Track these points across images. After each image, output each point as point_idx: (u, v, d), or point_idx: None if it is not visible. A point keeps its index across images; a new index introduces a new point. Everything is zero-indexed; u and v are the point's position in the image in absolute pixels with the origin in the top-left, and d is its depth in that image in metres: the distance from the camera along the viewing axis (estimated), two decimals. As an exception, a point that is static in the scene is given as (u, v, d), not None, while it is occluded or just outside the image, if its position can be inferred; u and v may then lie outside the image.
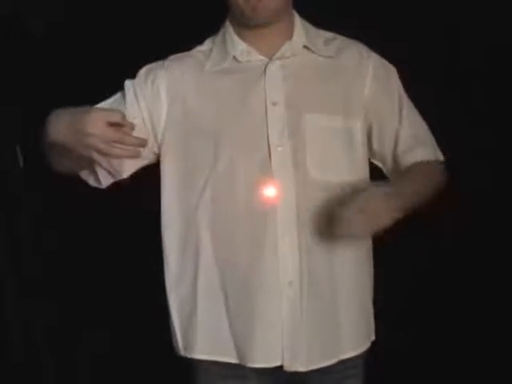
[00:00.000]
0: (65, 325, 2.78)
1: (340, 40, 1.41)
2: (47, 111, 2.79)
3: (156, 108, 1.36)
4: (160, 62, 1.41)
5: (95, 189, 1.46)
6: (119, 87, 2.77)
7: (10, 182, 2.77)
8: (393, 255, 2.12)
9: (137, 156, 1.17)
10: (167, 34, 2.55)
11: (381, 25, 2.36)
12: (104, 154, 1.13)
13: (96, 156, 1.14)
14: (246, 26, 1.35)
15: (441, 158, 1.46)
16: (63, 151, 1.23)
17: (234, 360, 1.36)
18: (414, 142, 1.40)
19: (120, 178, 1.38)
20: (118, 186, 1.50)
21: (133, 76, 1.41)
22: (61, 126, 1.18)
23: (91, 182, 1.39)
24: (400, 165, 1.40)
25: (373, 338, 1.46)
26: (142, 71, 1.41)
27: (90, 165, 1.30)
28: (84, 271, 2.84)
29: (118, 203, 2.57)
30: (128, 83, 1.39)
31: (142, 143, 1.16)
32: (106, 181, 1.36)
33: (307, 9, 1.42)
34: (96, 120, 1.10)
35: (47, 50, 2.81)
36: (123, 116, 1.13)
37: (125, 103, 1.36)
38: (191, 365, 1.43)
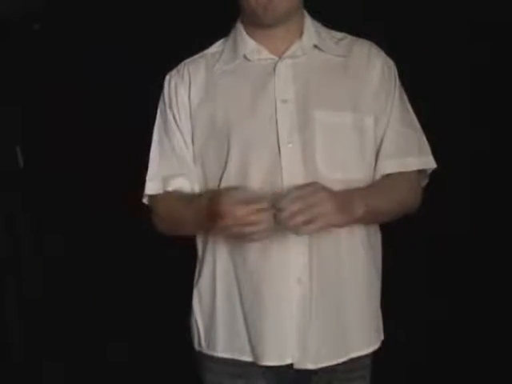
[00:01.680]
0: (64, 326, 2.78)
1: (350, 39, 1.41)
2: (47, 112, 2.79)
3: (188, 120, 1.39)
4: (175, 70, 1.43)
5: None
6: (120, 87, 2.78)
7: (10, 182, 2.77)
8: (399, 254, 2.12)
9: (267, 232, 1.21)
10: (179, 36, 2.55)
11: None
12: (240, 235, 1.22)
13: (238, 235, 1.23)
14: (257, 25, 1.35)
15: (428, 165, 1.41)
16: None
17: (249, 358, 1.36)
18: (396, 149, 1.38)
19: None
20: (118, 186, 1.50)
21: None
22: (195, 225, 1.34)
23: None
24: (377, 168, 1.38)
25: (381, 338, 1.44)
26: (166, 83, 1.42)
27: None
28: (88, 272, 2.84)
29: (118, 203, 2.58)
30: (169, 123, 1.40)
31: (263, 221, 1.19)
32: None
33: (321, 10, 1.42)
34: (225, 213, 1.20)
35: (47, 50, 2.81)
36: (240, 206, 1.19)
37: (174, 150, 1.40)
38: (199, 363, 1.43)
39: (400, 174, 1.36)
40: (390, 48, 1.42)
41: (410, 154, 1.38)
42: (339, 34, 1.41)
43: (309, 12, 1.40)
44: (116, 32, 2.78)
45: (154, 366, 2.65)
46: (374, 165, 1.37)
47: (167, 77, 1.43)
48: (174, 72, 1.43)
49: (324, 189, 1.21)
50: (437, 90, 2.43)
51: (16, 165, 2.84)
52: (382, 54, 1.39)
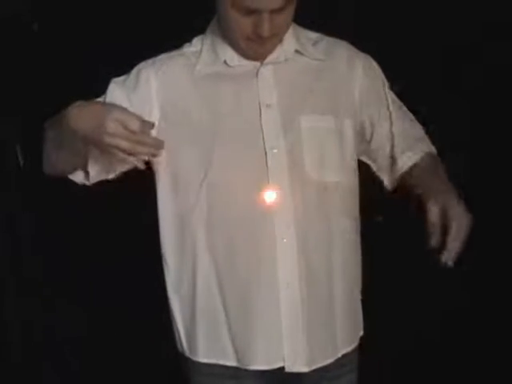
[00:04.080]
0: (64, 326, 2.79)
1: (326, 41, 1.41)
2: (47, 111, 2.79)
3: (146, 112, 1.32)
4: (150, 61, 1.38)
5: (95, 190, 1.46)
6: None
7: (10, 181, 2.77)
8: (383, 248, 2.13)
9: (157, 155, 1.18)
10: (179, 36, 2.55)
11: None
12: (125, 152, 1.14)
13: (118, 154, 1.15)
14: None
15: (434, 151, 1.47)
16: (63, 144, 1.25)
17: (232, 363, 1.36)
18: (409, 139, 1.41)
19: (109, 177, 1.38)
20: (117, 188, 1.50)
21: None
22: (82, 118, 1.17)
23: (79, 179, 1.38)
24: (397, 163, 1.41)
25: (361, 332, 1.47)
26: (134, 71, 1.37)
27: (84, 161, 1.30)
28: (88, 272, 2.84)
29: (117, 204, 2.58)
30: (114, 86, 1.36)
31: (160, 145, 1.17)
32: (96, 178, 1.36)
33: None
34: (116, 123, 1.11)
35: (46, 50, 2.81)
36: (141, 123, 1.12)
37: None
38: (187, 365, 1.43)
39: (430, 157, 1.42)
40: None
41: (421, 139, 1.45)
42: (314, 35, 1.41)
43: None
44: (116, 32, 2.78)
45: (153, 366, 2.65)
46: (353, 166, 1.38)
47: (139, 66, 1.36)
48: (148, 63, 1.37)
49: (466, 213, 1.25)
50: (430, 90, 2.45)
51: (16, 165, 2.84)
52: (361, 56, 1.41)
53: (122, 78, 1.37)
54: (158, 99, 1.34)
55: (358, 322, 1.47)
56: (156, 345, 2.48)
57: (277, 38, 1.29)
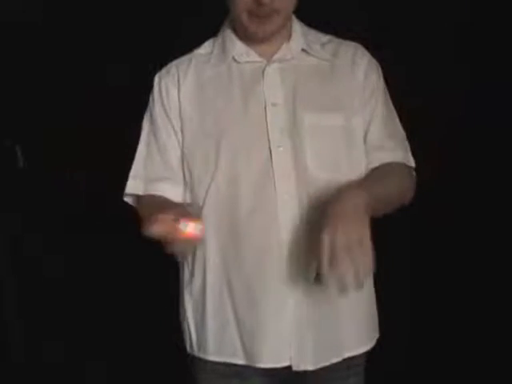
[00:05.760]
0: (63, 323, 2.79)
1: (336, 42, 1.41)
2: (47, 112, 2.80)
3: (179, 121, 1.38)
4: (164, 71, 1.42)
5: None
6: (115, 85, 2.77)
7: (10, 182, 2.77)
8: (394, 253, 2.12)
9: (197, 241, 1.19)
10: (180, 36, 2.56)
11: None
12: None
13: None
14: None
15: (412, 163, 1.44)
16: None
17: (240, 361, 1.36)
18: (386, 141, 1.39)
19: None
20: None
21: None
22: None
23: None
24: (368, 161, 1.39)
25: (377, 336, 1.45)
26: (156, 87, 1.41)
27: None
28: (88, 271, 2.85)
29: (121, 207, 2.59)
30: (156, 112, 1.39)
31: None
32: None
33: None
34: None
35: (47, 49, 2.82)
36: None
37: (160, 152, 1.39)
38: (192, 364, 1.43)
39: (392, 163, 1.37)
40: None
41: (398, 147, 1.40)
42: (325, 37, 1.41)
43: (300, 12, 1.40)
44: (117, 33, 2.79)
45: (148, 366, 2.66)
46: (362, 162, 1.38)
47: (156, 77, 1.41)
48: (163, 72, 1.41)
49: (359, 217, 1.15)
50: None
51: (16, 165, 2.84)
52: (367, 54, 1.40)
53: (153, 100, 1.40)
54: (179, 103, 1.37)
55: (370, 327, 1.43)
56: (158, 346, 2.49)
57: (278, 15, 1.29)
